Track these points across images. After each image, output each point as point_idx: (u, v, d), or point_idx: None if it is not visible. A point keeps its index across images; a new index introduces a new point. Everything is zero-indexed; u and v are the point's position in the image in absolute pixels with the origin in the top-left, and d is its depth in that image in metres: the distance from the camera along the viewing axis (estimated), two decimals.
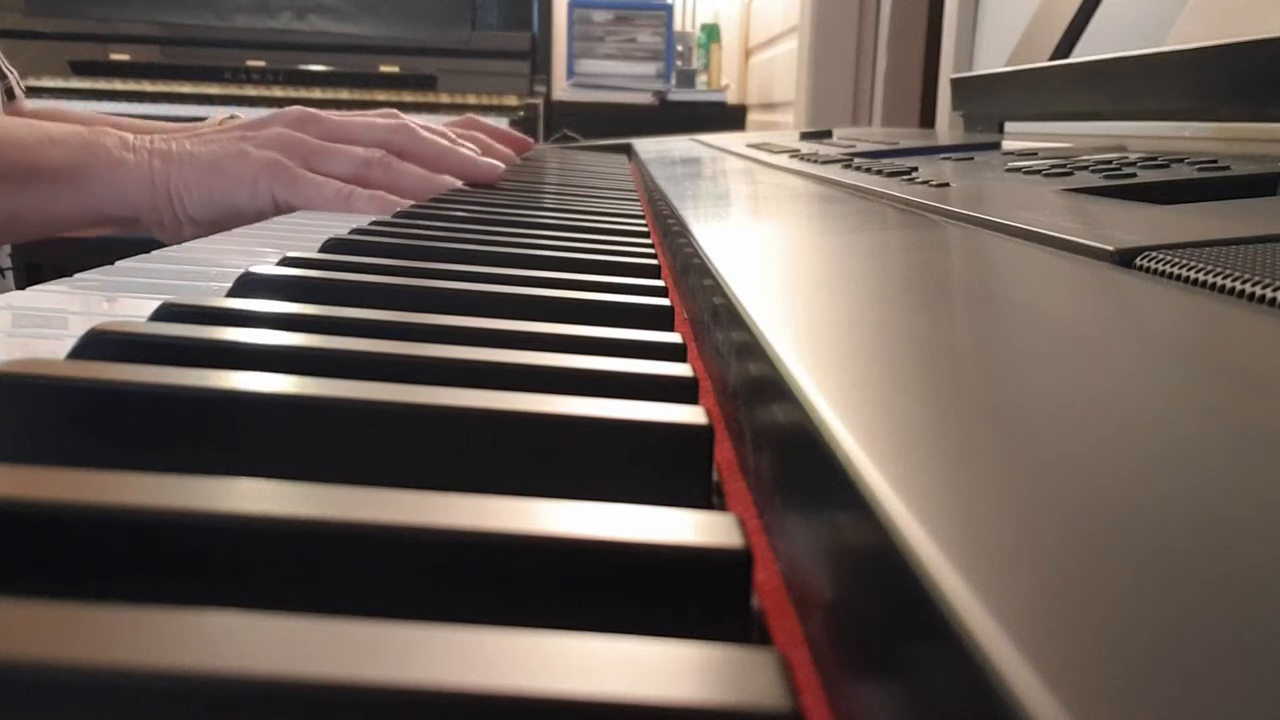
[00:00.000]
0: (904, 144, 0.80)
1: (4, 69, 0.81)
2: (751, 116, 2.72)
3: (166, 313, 0.26)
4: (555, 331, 0.26)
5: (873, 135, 1.02)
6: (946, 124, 1.35)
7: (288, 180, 0.58)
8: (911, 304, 0.22)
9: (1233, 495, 0.10)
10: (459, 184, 0.67)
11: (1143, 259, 0.25)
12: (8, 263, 0.75)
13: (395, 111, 0.73)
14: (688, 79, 2.80)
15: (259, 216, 0.58)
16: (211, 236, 0.47)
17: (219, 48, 2.34)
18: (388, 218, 0.52)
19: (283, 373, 0.21)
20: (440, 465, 0.19)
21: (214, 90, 2.30)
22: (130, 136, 0.58)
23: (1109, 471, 0.11)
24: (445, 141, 0.71)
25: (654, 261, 0.40)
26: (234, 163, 0.59)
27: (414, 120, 0.72)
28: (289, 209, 0.59)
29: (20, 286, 0.65)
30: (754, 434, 0.19)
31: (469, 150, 0.73)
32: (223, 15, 2.39)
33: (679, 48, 2.89)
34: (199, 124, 0.70)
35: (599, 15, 2.79)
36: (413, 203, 0.61)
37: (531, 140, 1.02)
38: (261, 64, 2.31)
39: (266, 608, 0.12)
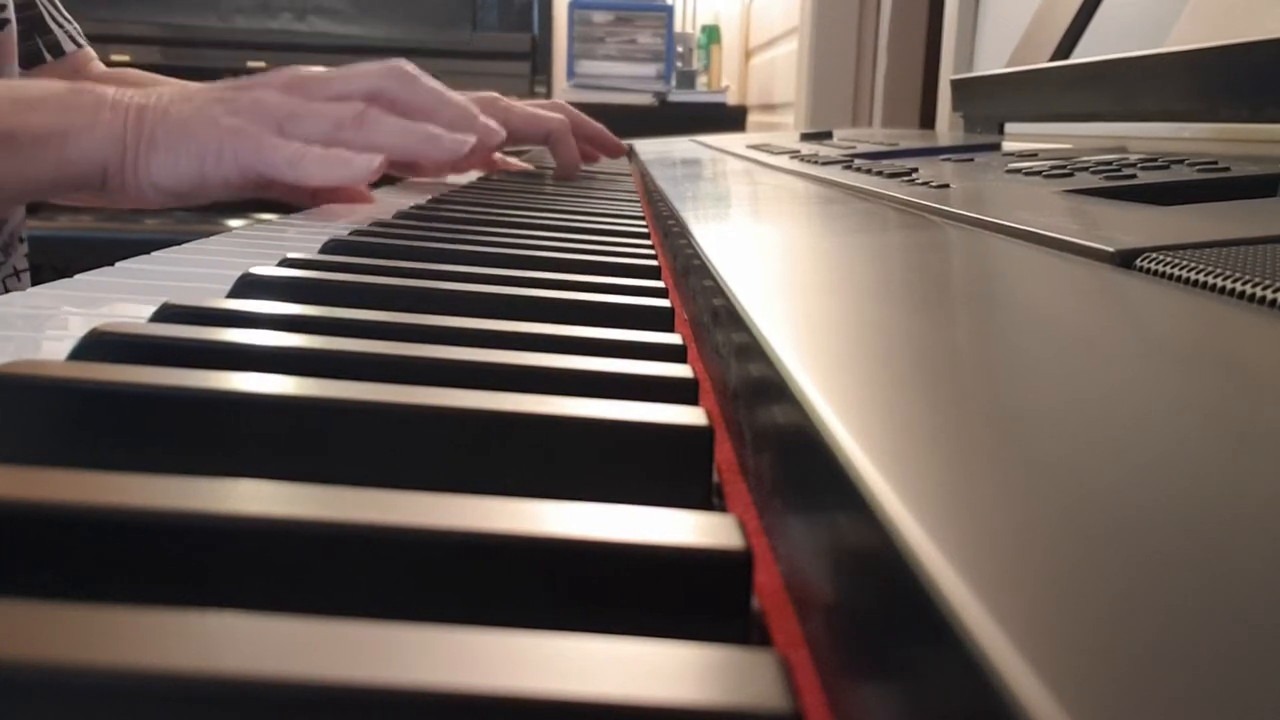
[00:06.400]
0: (904, 145, 0.80)
1: (53, 21, 0.79)
2: (752, 117, 2.72)
3: (167, 313, 0.26)
4: (555, 332, 0.26)
5: (873, 136, 1.02)
6: (947, 125, 1.35)
7: (251, 146, 0.55)
8: (912, 305, 0.22)
9: (1233, 496, 0.10)
10: (453, 137, 0.62)
11: (1143, 260, 0.25)
12: (24, 264, 0.74)
13: (403, 62, 0.67)
14: (688, 80, 2.80)
15: (226, 187, 0.56)
16: (214, 237, 0.47)
17: (219, 49, 2.33)
18: (387, 218, 0.52)
19: (283, 374, 0.21)
20: (440, 466, 0.19)
21: None
22: (114, 92, 0.55)
23: (1109, 472, 0.11)
24: (447, 94, 0.66)
25: (654, 262, 0.40)
26: (202, 129, 0.55)
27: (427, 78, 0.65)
28: (256, 176, 0.56)
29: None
30: (754, 435, 0.19)
31: (472, 108, 0.67)
32: (223, 16, 2.40)
33: (679, 49, 2.89)
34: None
35: (599, 16, 2.79)
36: (382, 157, 0.57)
37: (623, 146, 0.99)
38: (262, 65, 2.31)
39: (266, 608, 0.12)
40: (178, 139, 0.54)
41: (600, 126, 0.95)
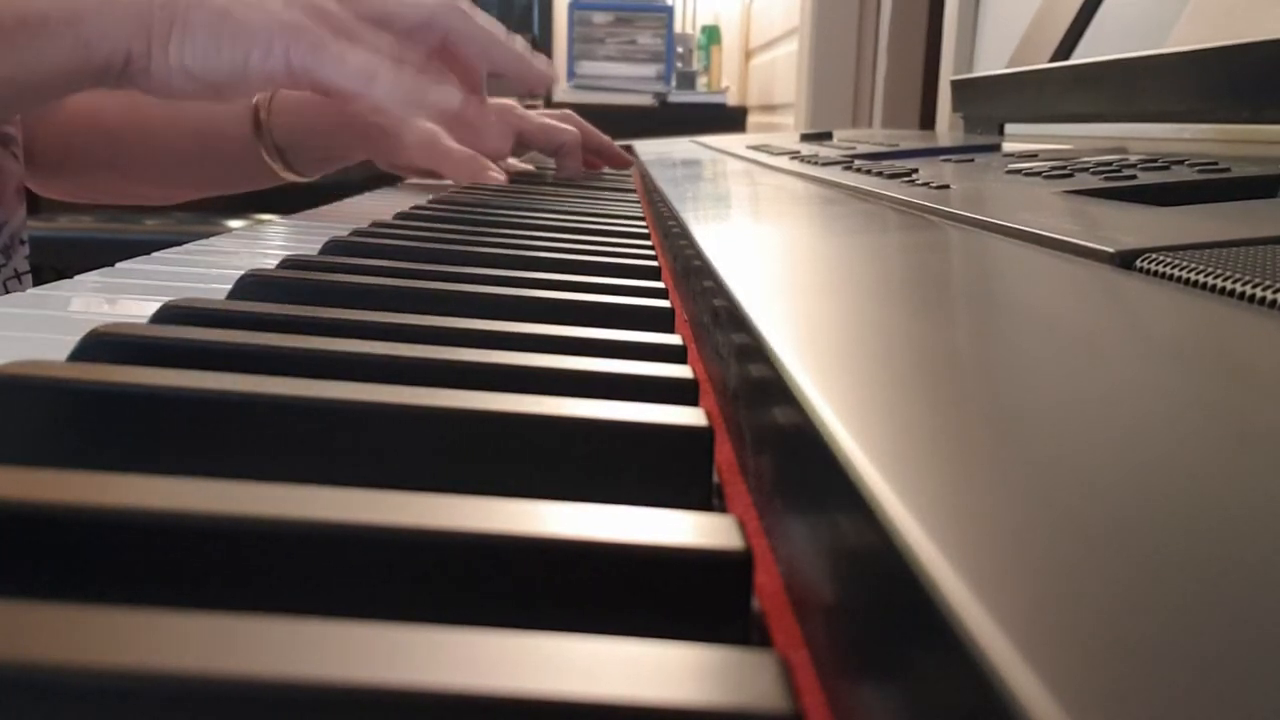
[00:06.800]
0: (904, 146, 0.80)
1: None
2: (752, 118, 2.72)
3: (167, 314, 0.26)
4: (556, 333, 0.26)
5: (873, 137, 1.02)
6: (947, 126, 1.35)
7: (308, 45, 0.50)
8: (912, 306, 0.22)
9: (1233, 496, 0.10)
10: (487, 169, 0.59)
11: (1143, 261, 0.25)
12: (25, 266, 0.74)
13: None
14: (688, 81, 2.80)
15: (267, 82, 0.51)
16: (214, 238, 0.47)
17: None
18: (387, 219, 0.52)
19: (283, 374, 0.21)
20: (440, 467, 0.19)
21: None
22: None
23: (1109, 473, 0.11)
24: (496, 31, 0.63)
25: (654, 263, 0.40)
26: (252, 14, 0.50)
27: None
28: (305, 78, 0.50)
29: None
30: (754, 436, 0.19)
31: (522, 44, 0.64)
32: None
33: (679, 49, 2.89)
34: None
35: (599, 17, 2.80)
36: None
37: (629, 160, 1.01)
38: None
39: (266, 609, 0.12)
40: (218, 24, 0.49)
41: (608, 140, 0.96)
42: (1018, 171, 0.49)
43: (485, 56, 0.62)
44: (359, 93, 0.51)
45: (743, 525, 0.14)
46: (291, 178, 0.70)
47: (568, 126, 0.86)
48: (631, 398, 0.20)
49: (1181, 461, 0.12)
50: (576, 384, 0.22)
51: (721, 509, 0.19)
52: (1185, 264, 0.23)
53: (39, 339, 0.27)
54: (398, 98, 0.51)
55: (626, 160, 0.99)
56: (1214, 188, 0.38)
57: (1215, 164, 0.41)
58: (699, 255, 0.30)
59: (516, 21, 2.60)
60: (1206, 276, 0.22)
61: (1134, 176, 0.42)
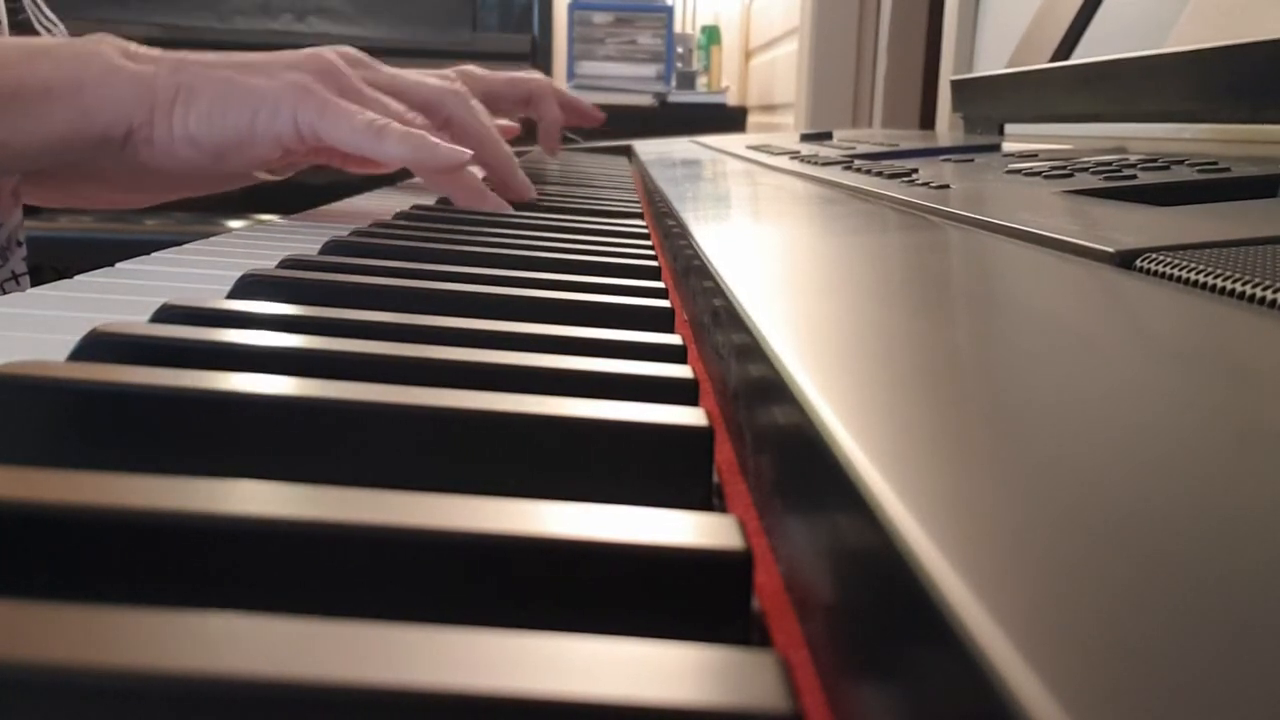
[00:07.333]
0: (904, 146, 0.80)
1: (40, 25, 0.77)
2: (752, 118, 2.72)
3: (167, 314, 0.26)
4: (556, 333, 0.26)
5: (873, 137, 1.02)
6: (947, 126, 1.35)
7: (315, 104, 0.49)
8: (912, 306, 0.22)
9: (1232, 496, 0.10)
10: (498, 201, 0.59)
11: (1143, 261, 0.25)
12: (23, 267, 0.73)
13: (460, 77, 0.66)
14: (688, 81, 2.80)
15: (275, 145, 0.50)
16: (214, 238, 0.47)
17: (219, 49, 2.33)
18: (387, 219, 0.52)
19: (283, 374, 0.21)
20: (440, 467, 0.19)
21: None
22: (136, 46, 0.50)
23: (1109, 472, 0.11)
24: (494, 130, 0.64)
25: (654, 263, 0.40)
26: (256, 78, 0.49)
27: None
28: (313, 137, 0.50)
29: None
30: (754, 435, 0.19)
31: (512, 159, 0.65)
32: (223, 17, 2.40)
33: (679, 49, 2.89)
34: None
35: (599, 17, 2.79)
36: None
37: (600, 115, 1.04)
38: None
39: (266, 609, 0.12)
40: (224, 88, 0.49)
41: (576, 96, 1.02)
42: (1018, 171, 0.49)
43: (479, 151, 0.62)
44: (368, 151, 0.50)
45: (743, 525, 0.14)
46: (265, 176, 0.70)
47: (535, 74, 0.90)
48: (632, 398, 0.20)
49: (1181, 461, 0.12)
50: (577, 384, 0.22)
51: (721, 509, 0.19)
52: (1185, 264, 0.23)
53: (39, 339, 0.27)
54: (407, 154, 0.51)
55: (599, 116, 1.04)
56: (1214, 188, 0.38)
57: (1215, 164, 0.41)
58: (699, 255, 0.30)
59: (516, 21, 2.59)
60: (1206, 276, 0.22)
61: (1134, 176, 0.42)
